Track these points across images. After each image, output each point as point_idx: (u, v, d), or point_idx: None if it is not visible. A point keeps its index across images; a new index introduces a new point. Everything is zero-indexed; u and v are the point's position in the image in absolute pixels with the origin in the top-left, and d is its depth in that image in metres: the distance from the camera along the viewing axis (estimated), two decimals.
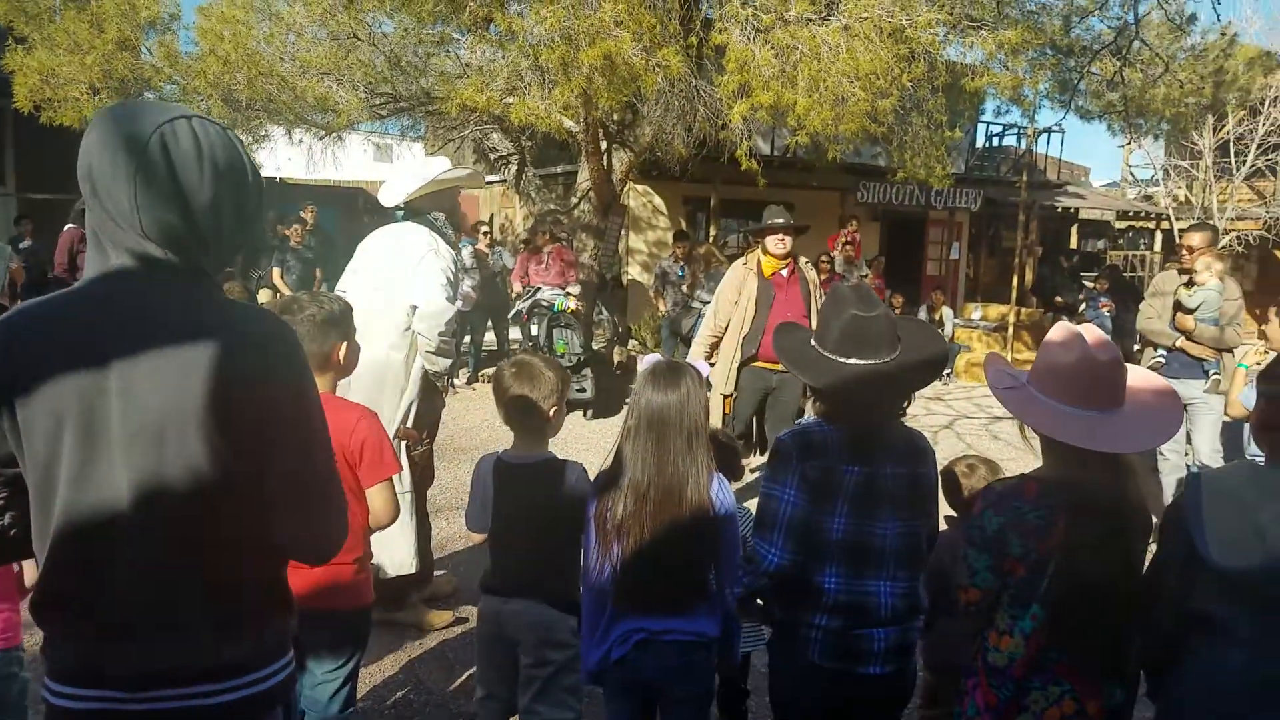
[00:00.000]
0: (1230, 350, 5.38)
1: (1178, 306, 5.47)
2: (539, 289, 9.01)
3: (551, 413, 2.62)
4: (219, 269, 1.50)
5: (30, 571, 2.24)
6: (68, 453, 1.33)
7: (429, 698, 3.46)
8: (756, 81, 6.93)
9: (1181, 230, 6.29)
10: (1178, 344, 5.47)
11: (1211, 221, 12.94)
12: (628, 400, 8.28)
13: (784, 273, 5.35)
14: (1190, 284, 5.40)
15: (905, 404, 2.36)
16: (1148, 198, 20.71)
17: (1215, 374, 5.37)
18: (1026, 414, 2.02)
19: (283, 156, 12.02)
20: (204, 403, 1.33)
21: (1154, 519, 2.04)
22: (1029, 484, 2.01)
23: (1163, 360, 5.60)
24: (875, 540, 2.16)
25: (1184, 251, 5.54)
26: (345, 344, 2.51)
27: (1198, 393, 5.38)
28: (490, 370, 10.36)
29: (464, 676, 3.59)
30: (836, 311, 2.24)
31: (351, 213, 16.47)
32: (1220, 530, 1.73)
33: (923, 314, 12.79)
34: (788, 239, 5.29)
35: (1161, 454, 5.59)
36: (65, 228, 9.36)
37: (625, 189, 10.91)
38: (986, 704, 2.01)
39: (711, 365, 5.13)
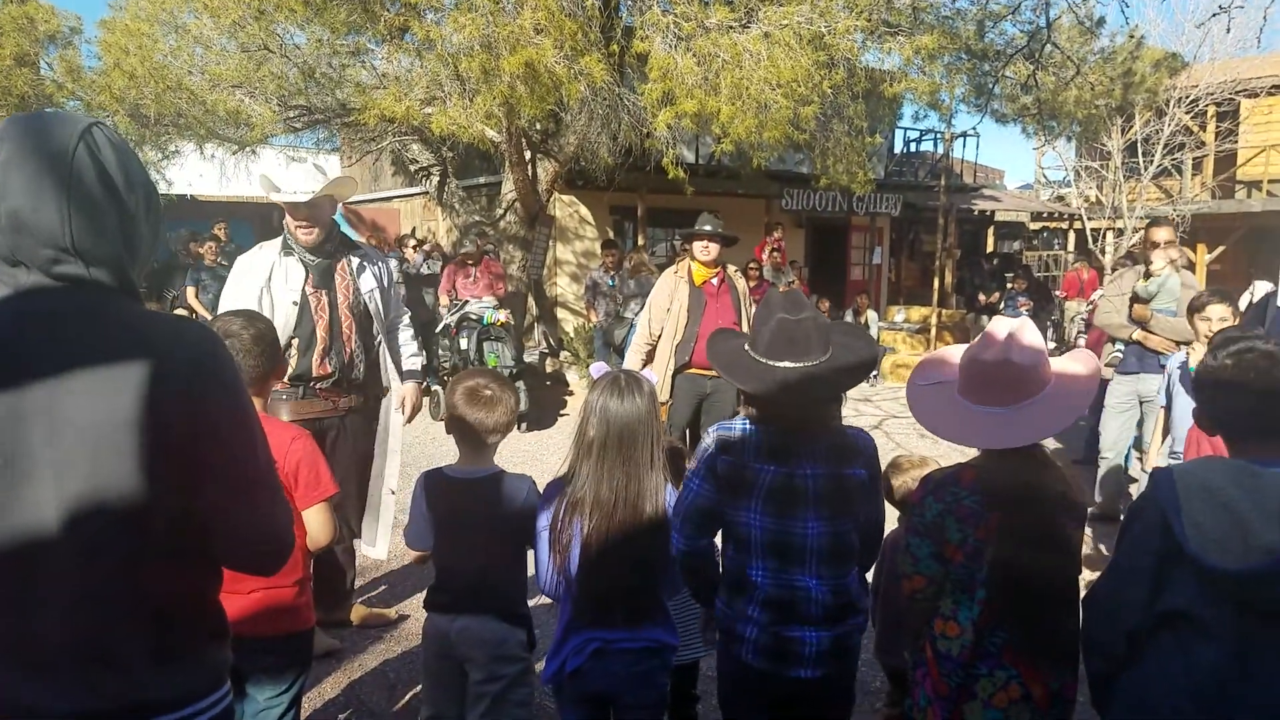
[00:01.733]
0: (1189, 342, 5.27)
1: (1134, 298, 5.40)
2: (467, 302, 8.86)
3: (501, 430, 2.62)
4: (139, 276, 1.43)
5: None
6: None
7: (372, 718, 3.39)
8: (680, 89, 6.92)
9: (1146, 226, 6.35)
10: (1134, 336, 5.40)
11: (1162, 217, 13.32)
12: (564, 412, 8.09)
13: (714, 281, 5.38)
14: (1147, 275, 5.40)
15: (837, 405, 2.37)
16: (1060, 199, 21.37)
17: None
18: (918, 411, 2.15)
19: (194, 173, 11.63)
20: (137, 417, 1.27)
21: (1089, 508, 2.07)
22: (966, 471, 2.06)
23: (1120, 355, 5.55)
24: (796, 539, 2.18)
25: (1149, 246, 5.54)
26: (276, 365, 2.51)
27: (1153, 388, 5.23)
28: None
29: (407, 697, 3.51)
30: (767, 316, 2.27)
31: (266, 228, 16.04)
32: (1205, 527, 1.69)
33: (848, 318, 12.98)
34: (713, 246, 5.31)
35: (1101, 454, 5.62)
36: None
37: (551, 199, 10.82)
38: (937, 693, 2.03)
39: None
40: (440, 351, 8.86)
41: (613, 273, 9.87)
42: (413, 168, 10.41)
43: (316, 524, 2.40)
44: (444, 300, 9.12)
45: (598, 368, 2.50)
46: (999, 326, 2.10)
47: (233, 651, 1.51)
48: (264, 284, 3.68)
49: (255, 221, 16.28)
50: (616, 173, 9.64)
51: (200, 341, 1.37)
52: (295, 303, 3.72)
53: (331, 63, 8.29)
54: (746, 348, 2.30)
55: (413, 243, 10.79)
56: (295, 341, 3.73)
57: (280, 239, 3.79)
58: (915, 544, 2.07)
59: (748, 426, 2.24)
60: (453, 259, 9.71)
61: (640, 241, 12.64)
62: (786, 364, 2.20)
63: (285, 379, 3.60)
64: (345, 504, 3.86)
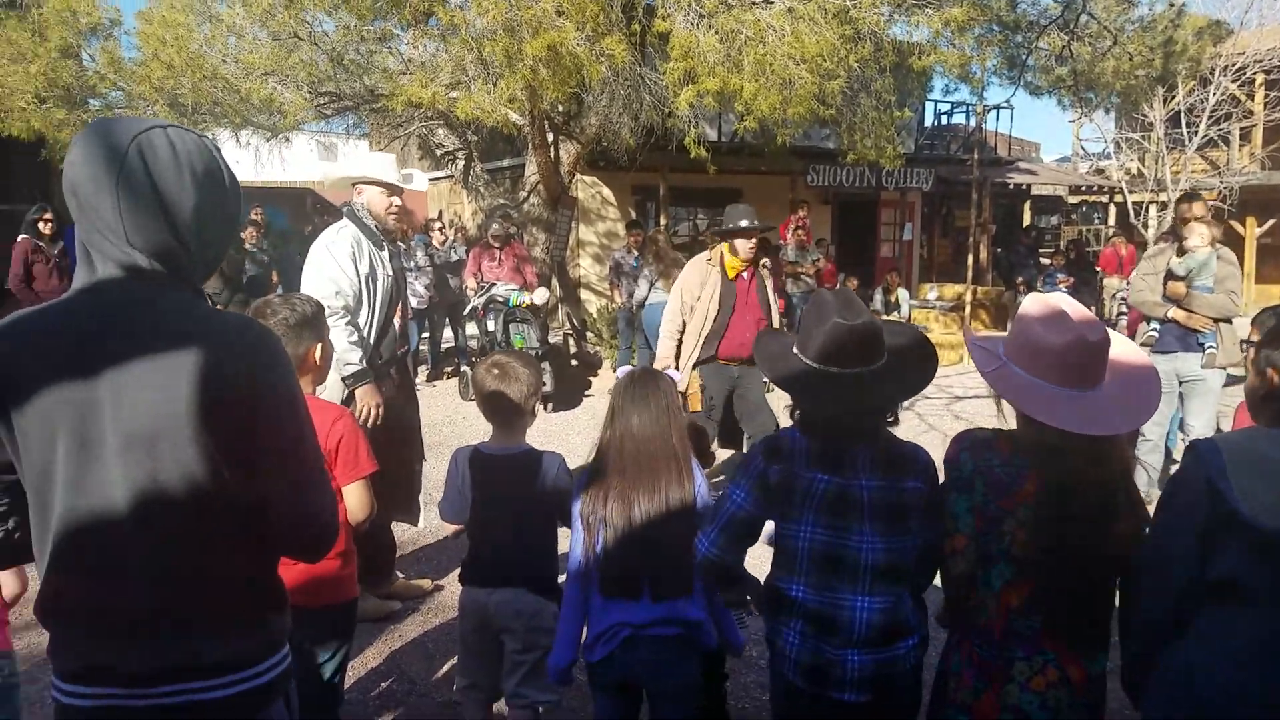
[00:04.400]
0: (1228, 320, 5.17)
1: (1169, 275, 5.26)
2: (493, 285, 8.96)
3: (528, 407, 2.72)
4: (204, 276, 1.52)
5: (8, 582, 2.30)
6: (63, 459, 1.37)
7: (411, 688, 3.51)
8: (702, 68, 6.91)
9: (1178, 200, 6.19)
10: (1170, 314, 5.24)
11: (1195, 191, 13.03)
12: (588, 393, 8.14)
13: (745, 275, 5.29)
14: (1182, 252, 5.27)
15: (892, 414, 2.25)
16: (1100, 171, 20.97)
17: (1211, 347, 5.13)
18: (1022, 400, 1.96)
19: (230, 159, 11.77)
20: (194, 408, 1.36)
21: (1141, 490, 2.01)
22: (1001, 440, 2.00)
23: (1156, 334, 5.38)
24: (849, 553, 2.05)
25: (1182, 221, 5.41)
26: (320, 344, 2.56)
27: (1194, 368, 5.13)
28: (450, 368, 10.30)
29: (445, 667, 3.63)
30: (819, 318, 2.11)
31: (300, 213, 16.29)
32: (1257, 494, 1.67)
33: (878, 296, 12.88)
34: (757, 243, 5.24)
35: (1142, 434, 5.42)
36: (18, 239, 9.13)
37: (573, 180, 10.85)
38: (969, 659, 2.02)
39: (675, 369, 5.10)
40: (468, 333, 8.99)
41: (635, 253, 9.91)
42: (439, 152, 10.50)
43: (355, 501, 2.52)
44: (470, 283, 9.24)
45: (623, 370, 2.59)
46: (1045, 304, 1.99)
47: None
48: (362, 267, 3.84)
49: (289, 207, 16.52)
50: (638, 153, 9.64)
51: (254, 336, 1.45)
52: (384, 287, 3.92)
53: (359, 49, 8.38)
54: (796, 350, 2.17)
55: (439, 225, 10.90)
56: (379, 324, 3.91)
57: (348, 224, 3.90)
58: (953, 499, 2.01)
59: (796, 434, 2.13)
60: (478, 242, 9.80)
61: (663, 221, 12.64)
62: (837, 370, 2.07)
63: (362, 361, 3.76)
64: (398, 482, 4.00)
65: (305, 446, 1.50)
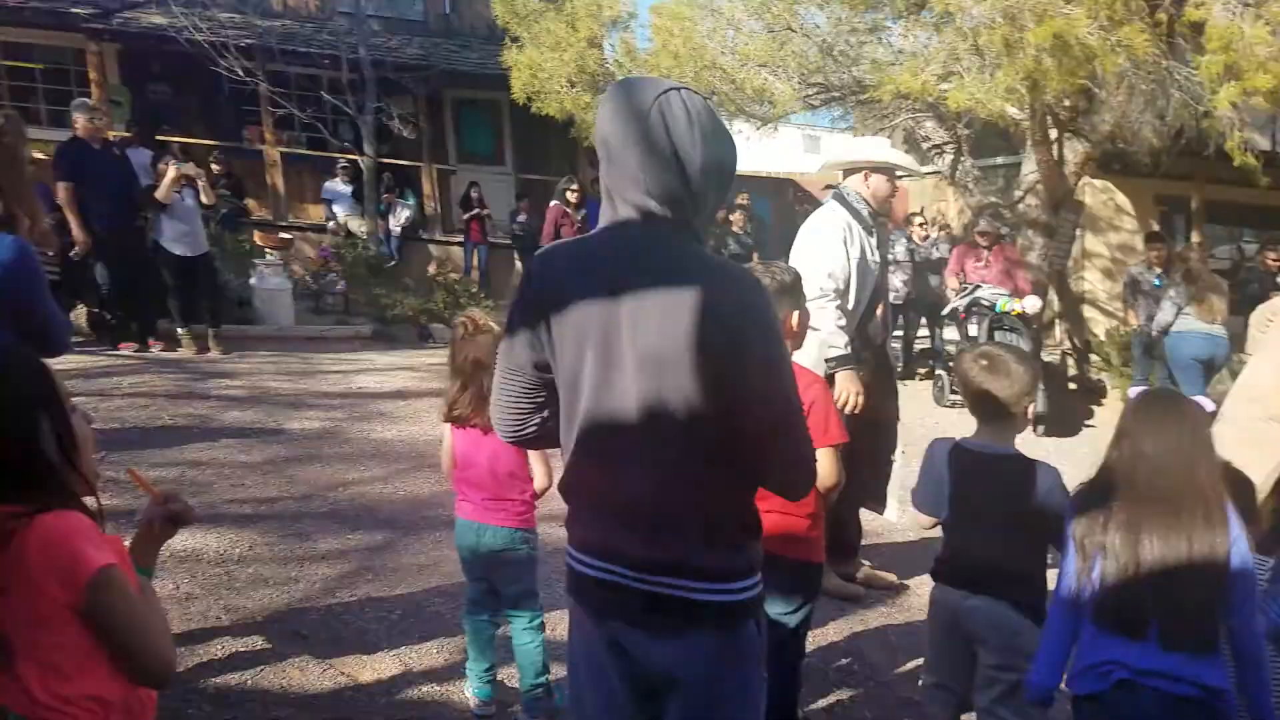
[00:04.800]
0: None
1: None
2: (978, 286, 8.31)
3: (1019, 409, 2.57)
4: (704, 226, 1.68)
5: (539, 473, 2.90)
6: (590, 367, 1.59)
7: (871, 674, 3.51)
8: (1248, 63, 5.58)
9: None
10: None
11: None
12: (1089, 423, 7.14)
13: None
14: None
15: None
16: None
17: None
18: None
19: None
20: (692, 339, 1.51)
21: None
22: None
23: None
24: None
25: None
26: (796, 312, 2.61)
27: None
28: (924, 369, 9.80)
29: (908, 665, 3.57)
30: None
31: (782, 204, 16.68)
32: None
33: None
34: None
35: None
36: (550, 204, 10.63)
37: (1080, 183, 9.61)
38: None
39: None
40: (945, 337, 8.54)
41: (1159, 271, 8.53)
42: (925, 145, 9.98)
43: (823, 466, 2.48)
44: (952, 283, 8.69)
45: (1138, 389, 2.18)
46: None
47: None
48: (852, 251, 3.89)
49: (773, 196, 17.01)
50: (1164, 157, 8.21)
51: (748, 286, 1.60)
52: (872, 273, 3.97)
53: (849, 40, 8.24)
54: None
55: (920, 220, 10.43)
56: (864, 310, 3.96)
57: (838, 208, 3.94)
58: None
59: None
60: (963, 240, 9.20)
61: (1195, 238, 10.68)
62: None
63: (847, 346, 3.80)
64: (870, 468, 4.03)
65: (789, 392, 1.60)
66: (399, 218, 13.00)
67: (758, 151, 10.65)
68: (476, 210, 12.67)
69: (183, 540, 4.00)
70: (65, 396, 1.45)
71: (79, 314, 7.79)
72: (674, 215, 1.58)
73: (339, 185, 12.84)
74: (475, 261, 12.95)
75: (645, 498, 1.59)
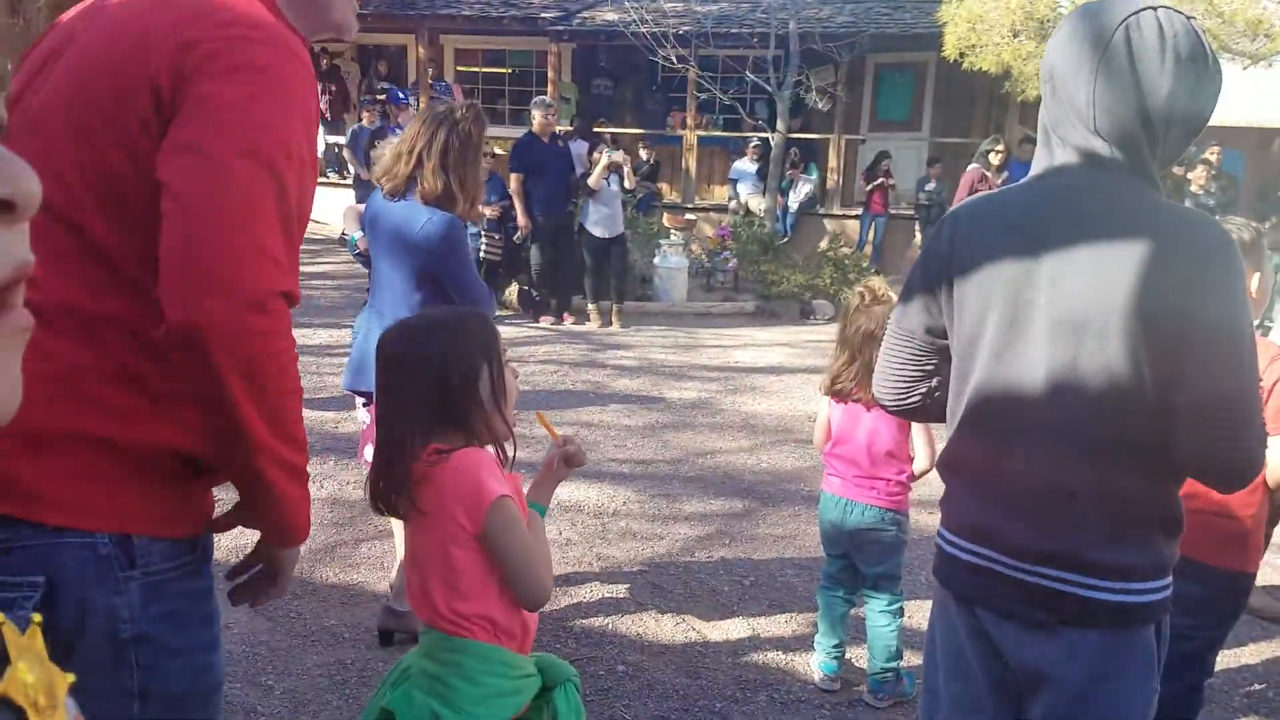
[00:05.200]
0: None
1: None
2: None
3: None
4: (1163, 167, 1.47)
5: (921, 455, 2.84)
6: (991, 331, 1.47)
7: None
8: None
9: None
10: None
11: None
12: None
13: None
14: None
15: None
16: None
17: None
18: None
19: None
20: (1129, 302, 1.34)
21: None
22: None
23: None
24: None
25: None
26: (1258, 274, 2.39)
27: None
28: None
29: None
30: None
31: (1263, 160, 13.83)
32: None
33: None
34: None
35: None
36: (968, 168, 10.05)
37: None
38: None
39: None
40: None
41: None
42: None
43: (1276, 459, 2.18)
44: None
45: None
46: None
47: None
48: None
49: (1249, 150, 14.19)
50: None
51: (1213, 237, 1.35)
52: None
53: None
54: None
55: None
56: None
57: None
58: None
59: None
60: None
61: None
62: None
63: None
64: None
65: (1245, 367, 1.35)
66: (799, 193, 13.13)
67: (1239, 97, 9.11)
68: (881, 180, 12.36)
69: (569, 492, 4.44)
70: (503, 353, 1.66)
71: (511, 291, 8.93)
72: (1125, 157, 1.39)
73: (747, 164, 13.24)
74: (870, 235, 12.67)
75: (1041, 480, 1.44)
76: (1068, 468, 1.42)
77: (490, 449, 1.61)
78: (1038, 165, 1.50)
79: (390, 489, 1.59)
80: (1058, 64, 1.42)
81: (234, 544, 2.99)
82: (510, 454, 1.63)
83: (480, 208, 2.96)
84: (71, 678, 0.53)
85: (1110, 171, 1.40)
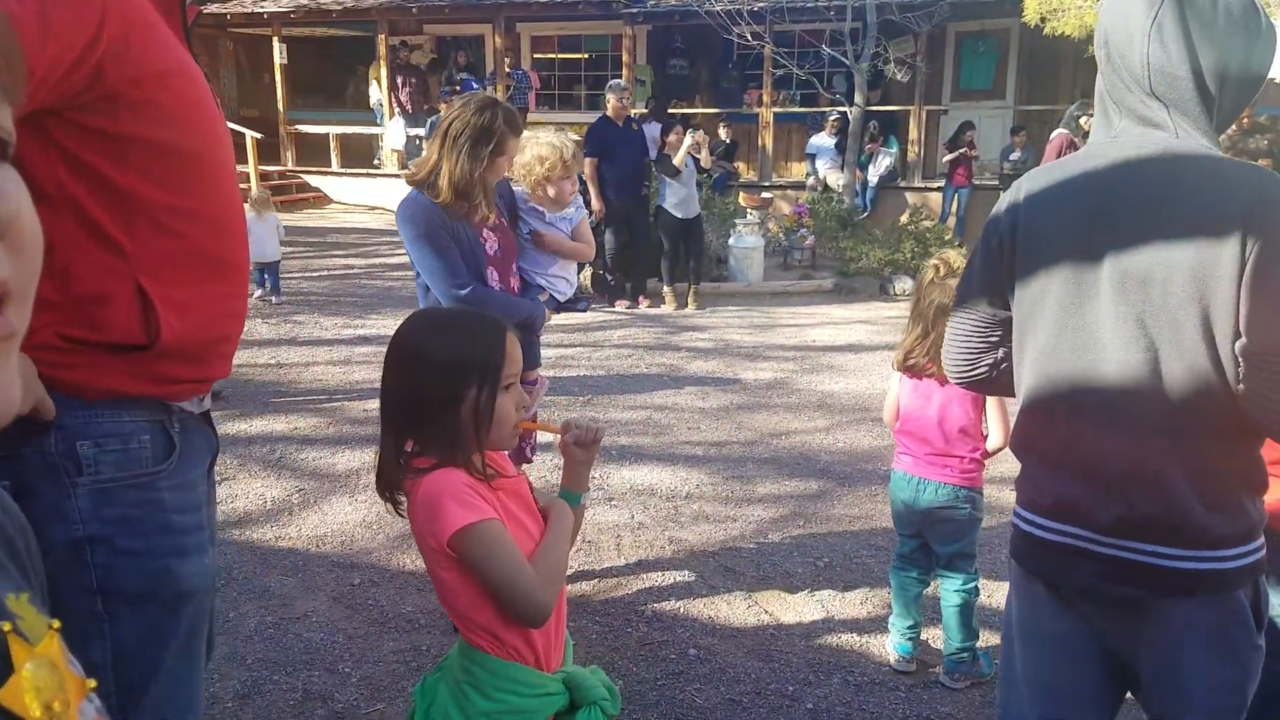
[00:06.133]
0: None
1: None
2: None
3: None
4: (1222, 126, 1.46)
5: (995, 433, 2.77)
6: (1055, 297, 1.47)
7: None
8: None
9: None
10: None
11: None
12: None
13: None
14: None
15: None
16: None
17: None
18: None
19: None
20: (1195, 255, 1.34)
21: None
22: None
23: None
24: None
25: None
26: None
27: None
28: None
29: None
30: None
31: None
32: None
33: None
34: None
35: None
36: (1054, 134, 9.63)
37: None
38: None
39: None
40: None
41: None
42: None
43: None
44: None
45: None
46: None
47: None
48: None
49: None
50: None
51: (1267, 189, 1.33)
52: None
53: None
54: None
55: None
56: None
57: None
58: None
59: None
60: None
61: None
62: None
63: None
64: None
65: None
66: (879, 167, 12.87)
67: None
68: (964, 150, 11.99)
69: (642, 476, 4.47)
70: (510, 375, 1.51)
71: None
72: (1182, 119, 1.40)
73: (824, 139, 13.03)
74: (954, 208, 12.32)
75: (1120, 450, 1.42)
76: (1146, 436, 1.40)
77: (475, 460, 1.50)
78: (1096, 134, 1.50)
79: (382, 485, 1.54)
80: (1111, 30, 1.44)
81: (243, 538, 3.07)
82: (485, 472, 1.49)
83: (487, 212, 2.78)
84: (93, 683, 0.54)
85: (1168, 133, 1.40)
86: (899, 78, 12.32)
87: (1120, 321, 1.39)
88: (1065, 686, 1.58)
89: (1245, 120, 8.89)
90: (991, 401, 2.76)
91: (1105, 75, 1.48)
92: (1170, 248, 1.35)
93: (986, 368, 1.66)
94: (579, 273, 3.37)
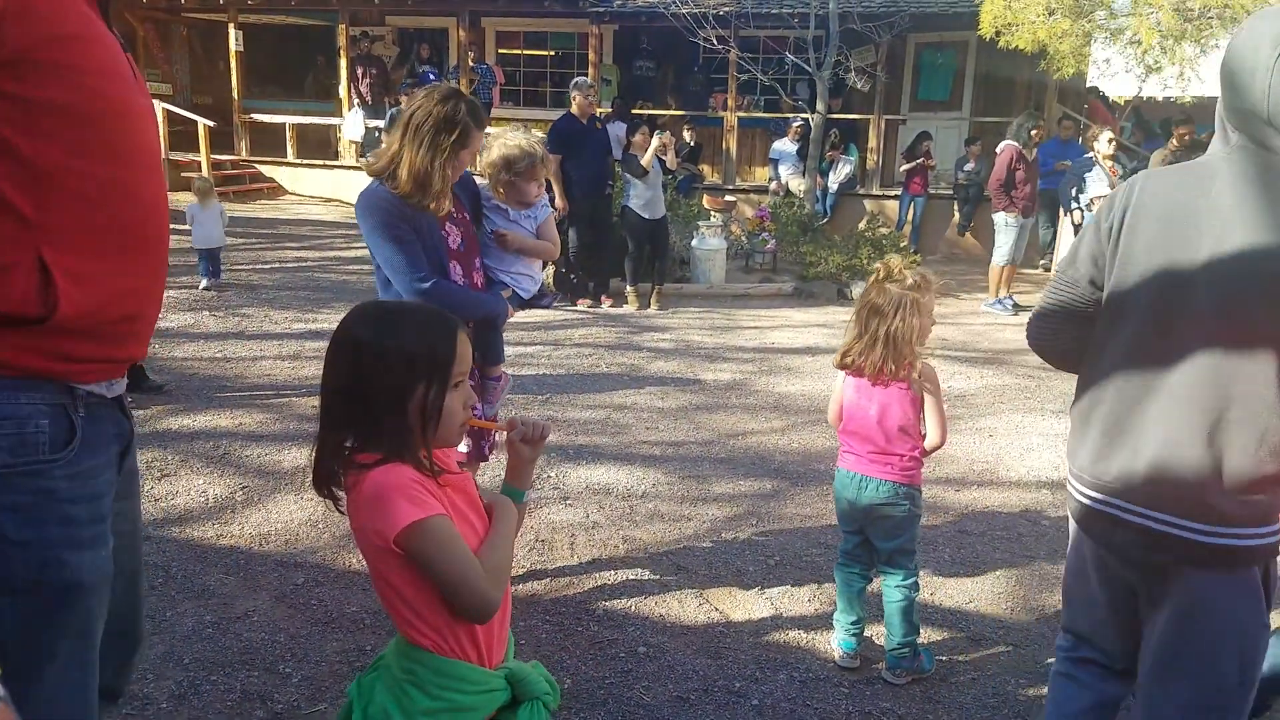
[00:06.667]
0: None
1: None
2: None
3: None
4: None
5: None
6: (1151, 289, 1.65)
7: None
8: None
9: None
10: None
11: None
12: None
13: None
14: None
15: None
16: None
17: None
18: None
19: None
20: (1274, 270, 1.52)
21: None
22: None
23: None
24: None
25: None
26: None
27: None
28: None
29: None
30: None
31: None
32: None
33: None
34: None
35: None
36: (1002, 145, 9.60)
37: None
38: None
39: None
40: None
41: None
42: None
43: None
44: None
45: None
46: None
47: None
48: None
49: None
50: None
51: None
52: None
53: None
54: None
55: None
56: None
57: None
58: None
59: None
60: None
61: None
62: None
63: None
64: None
65: None
66: (839, 174, 13.00)
67: None
68: (920, 160, 12.18)
69: (599, 475, 4.48)
70: (459, 373, 1.50)
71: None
72: None
73: (787, 145, 13.13)
74: (910, 215, 12.51)
75: (1174, 432, 1.60)
76: (1201, 422, 1.58)
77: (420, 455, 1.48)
78: (1214, 149, 1.68)
79: (320, 480, 1.50)
80: (1235, 63, 1.59)
81: (244, 532, 3.02)
82: (432, 468, 1.48)
83: (444, 202, 2.75)
84: None
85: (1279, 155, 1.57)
86: (860, 87, 12.48)
87: (1208, 319, 1.56)
88: (1106, 618, 1.94)
89: (1186, 137, 9.21)
90: (930, 402, 2.83)
91: (1226, 100, 1.64)
92: (1262, 258, 1.51)
93: (1070, 339, 1.86)
94: (544, 269, 3.36)
